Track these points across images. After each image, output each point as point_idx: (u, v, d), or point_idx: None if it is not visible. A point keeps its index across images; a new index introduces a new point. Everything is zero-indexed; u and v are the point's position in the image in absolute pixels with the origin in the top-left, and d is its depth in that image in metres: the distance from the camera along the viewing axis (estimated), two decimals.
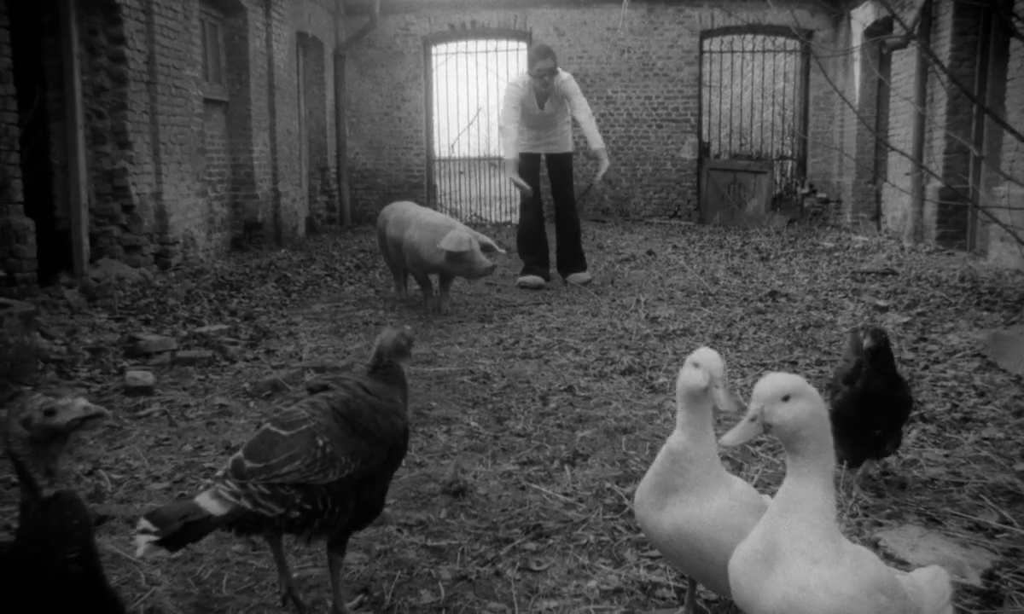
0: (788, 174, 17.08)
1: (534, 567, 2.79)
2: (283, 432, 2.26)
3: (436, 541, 2.97)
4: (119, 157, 8.74)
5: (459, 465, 3.60)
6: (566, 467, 3.65)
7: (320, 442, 2.25)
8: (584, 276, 8.88)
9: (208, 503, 2.08)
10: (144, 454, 3.88)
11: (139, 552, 1.95)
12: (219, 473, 2.17)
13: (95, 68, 8.59)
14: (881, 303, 7.26)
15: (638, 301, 7.65)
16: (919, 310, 6.99)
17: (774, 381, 1.87)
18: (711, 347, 2.35)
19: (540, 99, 8.56)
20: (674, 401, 4.54)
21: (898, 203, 12.54)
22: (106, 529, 3.07)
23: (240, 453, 2.21)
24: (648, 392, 4.82)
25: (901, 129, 12.41)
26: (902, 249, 11.13)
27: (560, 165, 9.02)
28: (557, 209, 9.08)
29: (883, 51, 12.96)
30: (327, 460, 2.24)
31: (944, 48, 10.92)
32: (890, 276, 8.81)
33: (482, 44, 17.13)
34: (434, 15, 16.39)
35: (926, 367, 5.25)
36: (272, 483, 2.15)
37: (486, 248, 7.06)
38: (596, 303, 7.67)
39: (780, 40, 16.74)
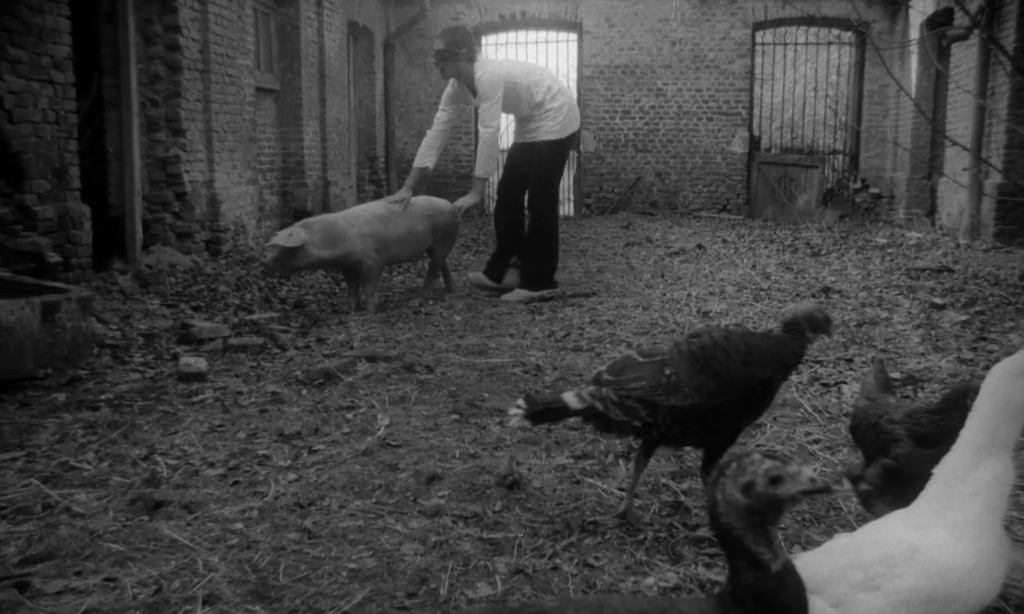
0: (840, 169, 16.82)
1: (592, 562, 2.75)
2: (640, 359, 2.81)
3: (491, 533, 2.94)
4: (172, 145, 8.83)
5: (513, 458, 3.56)
6: (621, 462, 3.61)
7: (667, 371, 2.73)
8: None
9: (569, 399, 2.75)
10: (198, 440, 3.90)
11: (512, 422, 2.77)
12: (587, 378, 2.69)
13: (150, 56, 8.67)
14: (937, 301, 7.09)
15: (689, 295, 7.57)
16: (977, 309, 6.82)
17: None
18: None
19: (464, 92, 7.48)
20: None
21: (954, 199, 12.27)
22: (163, 515, 3.09)
23: (604, 367, 2.85)
24: None
25: (960, 123, 12.14)
26: (957, 246, 10.90)
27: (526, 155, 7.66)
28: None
29: (943, 43, 12.69)
30: (670, 386, 2.72)
31: (1009, 38, 10.64)
32: (946, 273, 8.62)
33: (532, 35, 17.09)
34: (484, 5, 16.36)
35: (987, 367, 5.11)
36: (620, 395, 2.73)
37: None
38: (647, 297, 7.60)
39: (834, 32, 16.49)
